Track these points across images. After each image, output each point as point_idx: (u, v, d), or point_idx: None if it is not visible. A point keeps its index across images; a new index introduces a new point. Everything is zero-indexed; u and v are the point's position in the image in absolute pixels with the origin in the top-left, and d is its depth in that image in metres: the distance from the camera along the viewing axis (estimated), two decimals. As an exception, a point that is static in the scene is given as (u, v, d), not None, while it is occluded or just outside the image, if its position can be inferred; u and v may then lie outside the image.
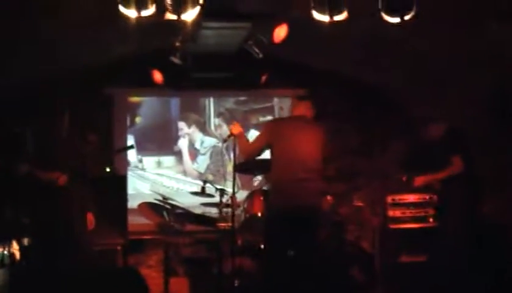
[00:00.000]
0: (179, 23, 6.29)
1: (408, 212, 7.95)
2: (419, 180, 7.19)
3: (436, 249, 6.99)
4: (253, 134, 8.45)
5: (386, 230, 8.03)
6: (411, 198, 7.95)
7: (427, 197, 7.88)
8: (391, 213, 8.02)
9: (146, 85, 8.59)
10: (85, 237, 6.72)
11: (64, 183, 6.52)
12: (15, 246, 6.87)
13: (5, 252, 6.68)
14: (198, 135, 9.45)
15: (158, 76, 8.23)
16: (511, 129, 7.33)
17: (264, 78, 8.33)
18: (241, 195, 7.56)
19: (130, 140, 9.19)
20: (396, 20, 5.32)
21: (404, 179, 7.40)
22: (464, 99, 7.72)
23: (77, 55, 8.05)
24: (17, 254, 6.87)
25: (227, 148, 9.43)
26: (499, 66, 6.88)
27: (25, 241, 6.93)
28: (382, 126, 9.41)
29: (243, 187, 8.65)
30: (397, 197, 8.01)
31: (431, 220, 7.79)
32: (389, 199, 8.05)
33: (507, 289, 6.50)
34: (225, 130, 9.48)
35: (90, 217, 6.82)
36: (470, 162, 6.75)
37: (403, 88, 8.80)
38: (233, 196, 6.81)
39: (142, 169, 9.24)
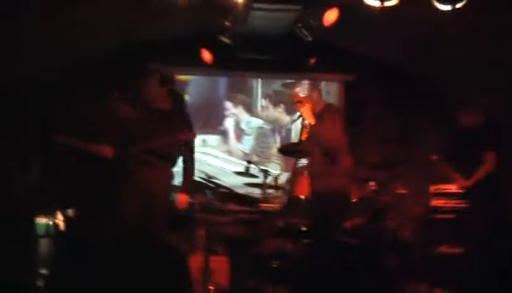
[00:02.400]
0: (230, 3, 6.34)
1: (451, 202, 7.92)
2: (461, 184, 7.33)
3: (471, 241, 6.97)
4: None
5: (428, 219, 8.02)
6: (454, 188, 7.91)
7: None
8: (433, 202, 8.00)
9: (195, 64, 8.64)
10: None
11: (110, 155, 6.59)
12: (59, 217, 7.00)
13: (50, 222, 6.81)
14: (244, 116, 9.48)
15: (206, 55, 8.27)
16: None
17: (312, 62, 8.33)
18: (285, 177, 7.60)
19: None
20: (447, 8, 5.29)
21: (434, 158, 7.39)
22: (505, 93, 7.65)
23: (124, 32, 8.14)
24: (62, 225, 7.00)
25: (273, 130, 9.47)
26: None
27: (70, 212, 7.05)
28: (424, 114, 9.36)
29: (287, 169, 8.67)
30: (440, 187, 7.99)
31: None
32: (432, 188, 8.03)
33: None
34: (271, 111, 9.52)
35: (182, 198, 6.81)
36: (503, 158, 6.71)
37: (446, 77, 8.73)
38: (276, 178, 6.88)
39: (188, 147, 9.30)
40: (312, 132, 6.13)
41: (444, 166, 7.36)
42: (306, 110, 6.17)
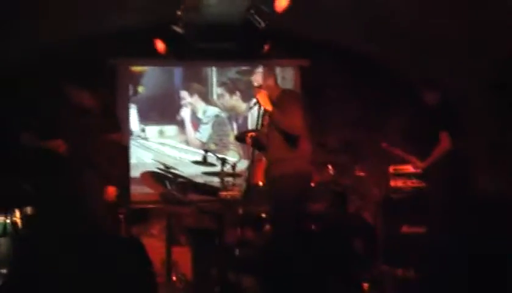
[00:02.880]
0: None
1: (410, 183, 7.99)
2: (417, 165, 7.30)
3: (432, 220, 7.01)
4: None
5: (388, 200, 8.08)
6: (412, 168, 7.97)
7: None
8: (392, 183, 8.06)
9: (149, 55, 8.58)
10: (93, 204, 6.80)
11: (64, 151, 6.57)
12: (17, 215, 6.92)
13: (8, 221, 6.73)
14: (200, 105, 9.45)
15: (160, 46, 8.22)
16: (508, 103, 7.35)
17: (266, 48, 8.31)
18: (243, 165, 7.59)
19: (133, 110, 9.21)
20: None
21: (384, 146, 7.41)
22: (461, 72, 7.72)
23: (78, 26, 8.05)
24: (20, 223, 6.92)
25: (229, 118, 9.46)
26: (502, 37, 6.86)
27: (28, 210, 6.98)
28: (382, 97, 9.42)
29: (245, 157, 8.67)
30: (399, 167, 8.05)
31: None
32: (391, 169, 8.09)
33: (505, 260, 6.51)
34: (227, 99, 9.50)
35: (111, 190, 6.96)
36: (460, 138, 6.73)
37: (402, 59, 8.79)
38: (234, 166, 6.87)
39: (145, 138, 9.26)
40: (270, 119, 6.09)
41: (397, 151, 7.38)
42: (262, 97, 6.14)
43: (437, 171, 6.93)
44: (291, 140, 5.96)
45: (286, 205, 5.85)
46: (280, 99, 6.12)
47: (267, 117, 6.15)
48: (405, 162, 7.84)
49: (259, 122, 6.16)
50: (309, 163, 6.16)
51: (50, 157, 6.63)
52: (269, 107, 6.01)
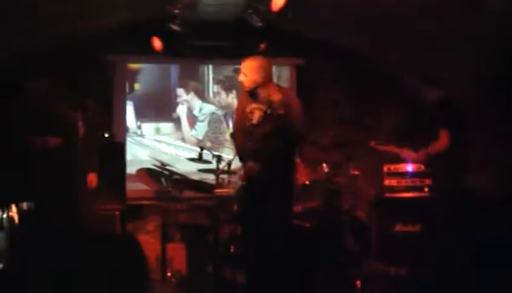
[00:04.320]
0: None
1: (404, 182, 8.03)
2: (409, 155, 7.04)
3: (429, 219, 7.01)
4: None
5: (382, 199, 8.12)
6: (406, 167, 8.02)
7: (423, 167, 7.95)
8: (386, 182, 8.10)
9: (145, 52, 8.61)
10: (83, 201, 6.88)
11: (56, 146, 6.66)
12: (14, 210, 6.95)
13: (4, 216, 6.75)
14: (197, 102, 9.49)
15: (157, 43, 8.24)
16: (503, 100, 7.37)
17: (262, 47, 8.34)
18: (238, 162, 7.62)
19: (129, 107, 9.24)
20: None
21: (373, 144, 7.36)
22: (457, 70, 7.75)
23: (75, 22, 8.08)
24: (16, 218, 6.95)
25: (225, 115, 9.49)
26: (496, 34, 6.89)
27: (24, 205, 7.01)
28: (376, 96, 9.48)
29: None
30: (393, 166, 8.09)
31: (426, 189, 7.85)
32: (385, 168, 8.13)
33: (498, 258, 6.55)
34: (223, 97, 9.54)
35: (92, 177, 7.27)
36: (459, 135, 6.70)
37: (396, 58, 8.83)
38: (230, 163, 6.91)
39: (141, 135, 9.29)
40: (273, 119, 5.95)
41: (388, 147, 7.30)
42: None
43: (434, 169, 6.90)
44: (295, 142, 5.96)
45: (277, 204, 5.83)
46: (284, 99, 5.98)
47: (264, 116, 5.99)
48: (400, 160, 7.89)
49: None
50: (298, 162, 6.14)
51: (44, 153, 6.70)
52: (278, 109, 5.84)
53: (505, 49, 6.97)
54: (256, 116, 5.94)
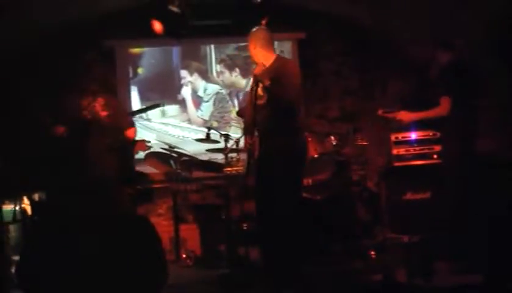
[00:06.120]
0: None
1: (412, 150, 8.03)
2: (403, 116, 6.90)
3: (438, 186, 6.99)
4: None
5: (391, 168, 8.12)
6: (414, 135, 8.01)
7: (430, 134, 7.95)
8: (395, 151, 8.10)
9: (146, 36, 8.59)
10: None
11: (64, 134, 6.69)
12: (26, 202, 6.99)
13: (17, 208, 6.79)
14: (201, 83, 9.48)
15: (157, 26, 8.21)
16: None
17: (263, 23, 8.31)
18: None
19: (134, 92, 9.24)
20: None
21: (380, 113, 7.27)
22: (465, 35, 7.70)
23: (75, 8, 8.07)
24: (29, 210, 6.99)
25: (230, 94, 9.49)
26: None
27: (36, 196, 7.05)
28: (381, 65, 9.46)
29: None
30: (401, 135, 8.08)
31: (435, 156, 7.86)
32: (393, 137, 8.12)
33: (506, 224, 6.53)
34: (227, 76, 9.53)
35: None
36: (470, 100, 6.65)
37: (400, 27, 8.79)
38: (238, 142, 6.92)
39: (148, 119, 9.29)
40: (266, 90, 5.92)
41: (395, 115, 7.21)
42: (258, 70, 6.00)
43: (448, 134, 6.84)
44: (286, 111, 5.88)
45: (283, 177, 5.80)
46: (276, 68, 5.95)
47: (262, 88, 5.97)
48: (406, 129, 7.89)
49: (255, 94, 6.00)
50: (303, 135, 6.09)
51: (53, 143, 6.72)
52: (265, 80, 5.83)
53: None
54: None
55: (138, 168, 8.08)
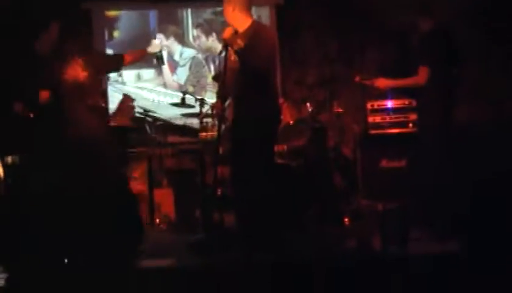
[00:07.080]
0: None
1: (388, 118, 8.03)
2: (380, 83, 6.91)
3: (415, 154, 7.01)
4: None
5: (367, 136, 8.13)
6: (390, 103, 8.01)
7: (407, 102, 7.94)
8: (370, 119, 8.10)
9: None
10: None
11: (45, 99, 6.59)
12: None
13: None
14: (177, 47, 9.41)
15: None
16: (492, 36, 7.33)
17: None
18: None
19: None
20: None
21: (357, 79, 7.24)
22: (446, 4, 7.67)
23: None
24: (1, 172, 6.92)
25: (206, 59, 9.43)
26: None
27: (9, 159, 6.97)
28: (360, 32, 9.42)
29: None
30: (376, 103, 8.08)
31: (410, 125, 7.87)
32: (369, 105, 8.11)
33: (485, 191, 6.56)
34: (203, 41, 9.47)
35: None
36: (449, 68, 6.64)
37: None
38: (213, 107, 6.88)
39: (122, 83, 9.22)
40: (238, 55, 5.86)
41: (373, 82, 7.19)
42: (228, 34, 5.91)
43: (425, 103, 6.82)
44: (259, 77, 5.82)
45: (252, 141, 5.76)
46: (251, 34, 5.88)
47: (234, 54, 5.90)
48: (382, 97, 7.88)
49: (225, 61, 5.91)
50: (276, 101, 6.06)
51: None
52: (236, 44, 5.76)
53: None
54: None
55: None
